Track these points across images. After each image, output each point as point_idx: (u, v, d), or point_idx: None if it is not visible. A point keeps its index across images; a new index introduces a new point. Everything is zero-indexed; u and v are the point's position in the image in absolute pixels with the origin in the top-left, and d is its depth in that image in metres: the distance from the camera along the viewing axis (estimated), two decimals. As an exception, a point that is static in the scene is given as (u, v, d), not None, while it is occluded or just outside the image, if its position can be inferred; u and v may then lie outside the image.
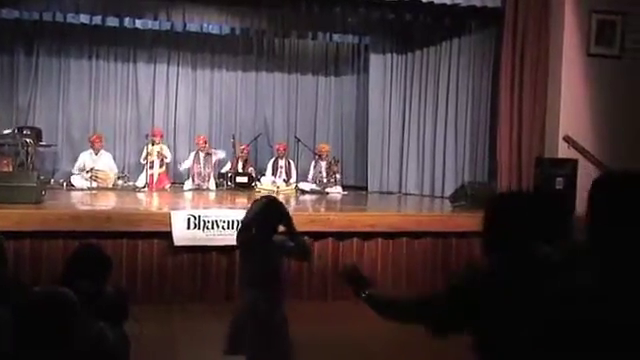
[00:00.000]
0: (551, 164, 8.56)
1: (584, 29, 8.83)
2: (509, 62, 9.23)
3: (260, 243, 4.06)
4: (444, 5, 9.30)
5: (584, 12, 8.82)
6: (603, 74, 8.86)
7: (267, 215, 4.07)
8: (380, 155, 11.44)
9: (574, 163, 8.48)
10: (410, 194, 10.93)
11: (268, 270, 4.06)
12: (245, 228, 4.21)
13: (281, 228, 4.14)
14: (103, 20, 11.09)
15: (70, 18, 10.99)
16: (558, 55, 8.94)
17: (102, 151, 10.55)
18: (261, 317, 3.98)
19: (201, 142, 10.86)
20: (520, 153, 9.29)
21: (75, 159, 10.55)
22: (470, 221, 7.85)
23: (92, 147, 10.45)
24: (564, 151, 8.78)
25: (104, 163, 10.43)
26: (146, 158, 10.45)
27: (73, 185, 10.08)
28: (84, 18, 11.03)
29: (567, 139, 8.80)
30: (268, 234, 4.08)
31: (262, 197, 4.40)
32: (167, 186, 10.53)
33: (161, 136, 10.88)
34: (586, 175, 8.57)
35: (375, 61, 11.62)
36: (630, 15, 8.87)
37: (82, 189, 9.87)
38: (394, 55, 11.49)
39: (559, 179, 8.31)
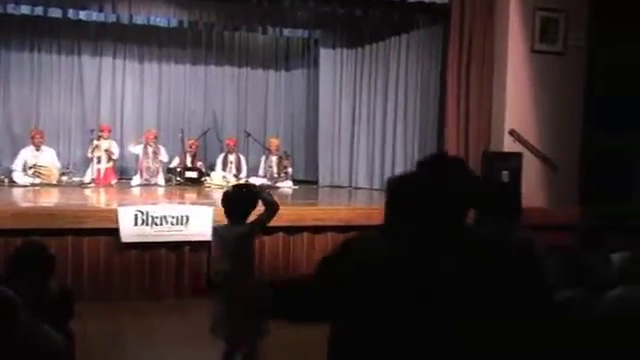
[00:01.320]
0: (497, 158, 8.70)
1: (528, 26, 9.00)
2: (456, 57, 9.34)
3: (232, 232, 4.26)
4: (393, 1, 9.36)
5: (528, 9, 8.99)
6: (547, 70, 9.05)
7: (236, 203, 4.32)
8: (330, 149, 11.47)
9: (519, 157, 8.65)
10: (360, 188, 10.99)
11: (241, 257, 4.25)
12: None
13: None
14: (45, 11, 10.75)
15: (10, 9, 10.62)
16: (503, 51, 9.09)
17: (44, 147, 10.27)
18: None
19: (151, 137, 10.69)
20: (467, 147, 9.41)
21: (16, 155, 10.24)
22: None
23: (33, 143, 10.17)
24: (510, 145, 8.94)
25: (46, 159, 10.16)
26: (93, 153, 10.24)
27: (15, 182, 9.80)
28: (25, 9, 10.67)
29: (512, 133, 8.97)
30: (239, 221, 4.29)
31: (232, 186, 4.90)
32: (113, 181, 10.36)
33: (109, 131, 10.68)
34: (531, 168, 8.78)
35: (325, 56, 11.63)
36: (572, 13, 9.08)
37: (24, 186, 9.61)
38: (344, 50, 11.52)
39: (505, 172, 8.45)
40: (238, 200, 4.33)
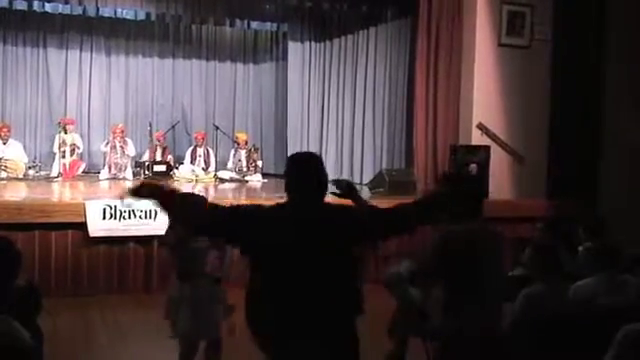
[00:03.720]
0: (465, 151, 8.80)
1: (495, 20, 9.10)
2: (424, 51, 9.41)
3: (185, 241, 4.27)
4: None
5: (495, 3, 9.08)
6: (514, 63, 9.16)
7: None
8: (299, 143, 11.47)
9: (487, 149, 8.76)
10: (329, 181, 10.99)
11: (194, 264, 4.29)
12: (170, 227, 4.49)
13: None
14: (10, 3, 10.59)
15: (-26, 1, 10.46)
16: (471, 45, 9.17)
17: (11, 140, 10.12)
18: (191, 306, 4.21)
19: (118, 131, 10.56)
20: (435, 140, 9.50)
21: (-18, 149, 10.07)
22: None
23: (-1, 136, 10.02)
24: (477, 138, 9.04)
25: (13, 153, 10.00)
26: (59, 147, 10.12)
27: (-20, 176, 9.64)
28: (-11, 1, 10.52)
29: (480, 126, 9.07)
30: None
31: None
32: (80, 170, 10.21)
33: (72, 124, 10.53)
34: (498, 161, 8.89)
35: (293, 49, 11.61)
36: (538, 7, 9.20)
37: (-10, 179, 9.45)
38: (312, 43, 11.52)
39: (472, 165, 8.56)
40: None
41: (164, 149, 10.92)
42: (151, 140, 10.89)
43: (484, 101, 9.13)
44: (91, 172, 10.82)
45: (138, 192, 2.89)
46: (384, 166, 10.15)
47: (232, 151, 11.21)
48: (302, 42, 11.56)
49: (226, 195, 9.26)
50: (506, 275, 3.66)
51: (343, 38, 11.13)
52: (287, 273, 2.74)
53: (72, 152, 10.19)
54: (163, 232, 6.76)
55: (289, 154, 11.46)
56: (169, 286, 4.47)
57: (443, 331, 3.43)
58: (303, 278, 2.73)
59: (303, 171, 2.91)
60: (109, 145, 10.47)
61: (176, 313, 4.29)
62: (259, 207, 2.93)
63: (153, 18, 11.66)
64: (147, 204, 7.06)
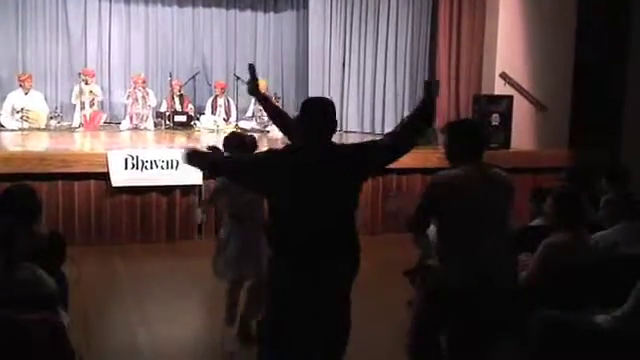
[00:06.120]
0: (488, 101, 8.68)
1: (521, -35, 8.88)
2: (448, -1, 9.25)
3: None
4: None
5: (521, -52, 8.85)
6: (539, 11, 8.94)
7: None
8: (321, 92, 11.36)
9: (510, 99, 8.64)
10: (351, 132, 10.95)
11: (248, 210, 4.34)
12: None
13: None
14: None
15: (-7, -51, 10.38)
16: (496, -9, 8.98)
17: (32, 90, 10.14)
18: (239, 245, 4.32)
19: (139, 81, 10.55)
20: (458, 90, 9.39)
21: (3, 99, 10.12)
22: (410, 157, 7.94)
23: (22, 86, 10.03)
24: (500, 88, 8.91)
25: (35, 103, 10.04)
26: (78, 97, 10.14)
27: (3, 126, 9.71)
28: (8, -52, 10.43)
29: (503, 76, 8.93)
30: None
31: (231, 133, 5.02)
32: (102, 120, 10.26)
33: (92, 76, 10.52)
34: (521, 111, 8.77)
35: (315, -4, 11.44)
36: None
37: (13, 130, 9.52)
38: (334, -10, 11.33)
39: (495, 115, 8.46)
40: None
41: (181, 97, 10.86)
42: (171, 91, 10.87)
43: (508, 49, 8.96)
44: (112, 123, 10.86)
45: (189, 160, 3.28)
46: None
47: (253, 100, 11.15)
48: (323, -11, 11.37)
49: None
50: (510, 223, 3.46)
51: (365, -15, 10.93)
52: (305, 213, 2.93)
53: (92, 104, 10.21)
54: (185, 181, 6.96)
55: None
56: (221, 228, 4.55)
57: (433, 279, 3.32)
58: (321, 217, 2.92)
59: (317, 115, 3.08)
60: (130, 97, 10.48)
61: (221, 252, 4.39)
62: (273, 152, 3.19)
63: (172, -35, 11.52)
64: (169, 154, 7.12)
